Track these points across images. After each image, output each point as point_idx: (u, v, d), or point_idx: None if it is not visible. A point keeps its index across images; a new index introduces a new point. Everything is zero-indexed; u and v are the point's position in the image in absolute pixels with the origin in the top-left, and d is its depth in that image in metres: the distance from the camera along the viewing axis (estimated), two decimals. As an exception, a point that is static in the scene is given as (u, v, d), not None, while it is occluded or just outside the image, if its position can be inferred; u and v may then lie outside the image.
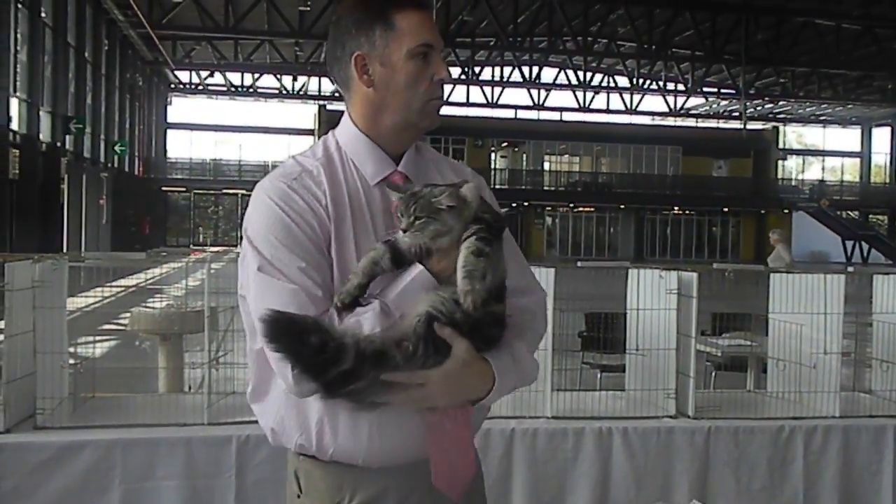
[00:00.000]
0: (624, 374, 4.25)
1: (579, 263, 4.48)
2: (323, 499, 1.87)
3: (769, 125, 53.64)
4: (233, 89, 48.46)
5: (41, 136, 26.19)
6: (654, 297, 3.87)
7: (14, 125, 23.74)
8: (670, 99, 48.96)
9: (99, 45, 34.37)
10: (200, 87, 49.27)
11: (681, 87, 45.74)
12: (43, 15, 26.55)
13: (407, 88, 1.86)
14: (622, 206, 47.72)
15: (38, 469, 3.31)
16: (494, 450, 3.61)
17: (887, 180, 57.12)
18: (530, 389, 3.80)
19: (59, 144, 28.02)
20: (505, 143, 50.10)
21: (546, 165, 50.41)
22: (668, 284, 3.80)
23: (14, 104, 23.85)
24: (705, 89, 47.09)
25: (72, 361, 3.86)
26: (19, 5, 24.64)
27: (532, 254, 45.34)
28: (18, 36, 24.79)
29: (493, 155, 50.11)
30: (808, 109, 54.90)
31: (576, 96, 48.38)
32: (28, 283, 3.43)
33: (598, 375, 6.82)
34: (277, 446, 1.92)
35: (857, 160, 58.85)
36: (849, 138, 59.57)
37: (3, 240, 21.90)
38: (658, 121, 52.79)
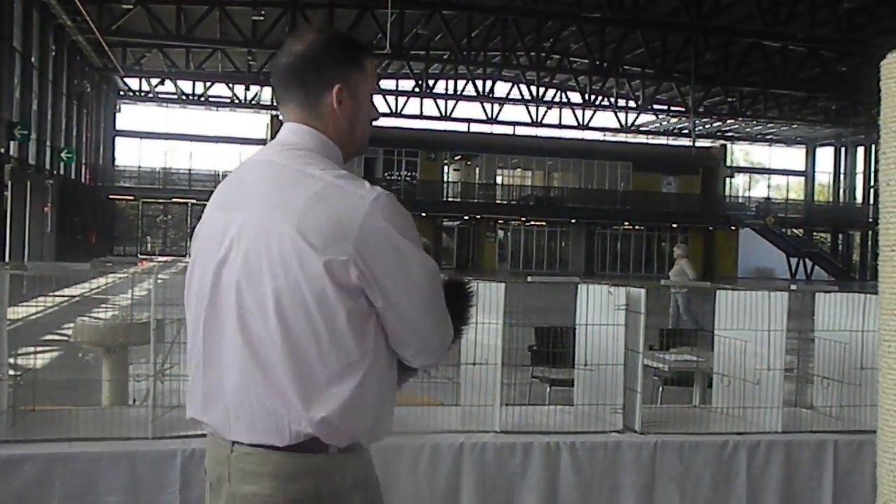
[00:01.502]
0: (573, 389, 4.27)
1: (529, 278, 4.50)
2: (358, 484, 2.02)
3: (717, 143, 54.62)
4: (184, 97, 48.00)
5: (-16, 142, 25.65)
6: (602, 313, 3.91)
7: (-44, 130, 23.23)
8: (621, 115, 49.63)
9: (46, 50, 33.77)
10: (150, 95, 48.67)
11: (632, 103, 46.41)
12: (-12, 18, 26.05)
13: (365, 121, 2.14)
14: (573, 221, 48.15)
15: (-25, 485, 3.22)
16: (443, 464, 3.60)
17: (830, 199, 58.49)
18: (480, 404, 3.81)
19: (2, 151, 27.42)
20: (458, 157, 50.26)
21: (499, 179, 50.70)
22: (616, 300, 3.83)
23: (-43, 109, 23.34)
24: (655, 106, 47.86)
25: (11, 373, 3.77)
26: (-36, 8, 24.17)
27: (484, 267, 45.50)
28: (-37, 39, 24.31)
29: (445, 168, 50.27)
30: (755, 128, 56.09)
31: (529, 111, 48.79)
32: (-33, 294, 3.35)
33: (548, 390, 6.86)
34: (330, 443, 1.96)
35: (802, 179, 60.21)
36: (794, 157, 60.98)
37: (-57, 247, 21.38)
38: (609, 136, 53.44)
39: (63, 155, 36.92)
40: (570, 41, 39.02)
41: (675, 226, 49.08)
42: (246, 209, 1.98)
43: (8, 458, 3.27)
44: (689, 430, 3.94)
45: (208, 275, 2.01)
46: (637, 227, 49.51)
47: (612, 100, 46.21)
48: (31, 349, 4.81)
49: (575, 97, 47.32)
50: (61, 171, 37.02)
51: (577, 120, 49.46)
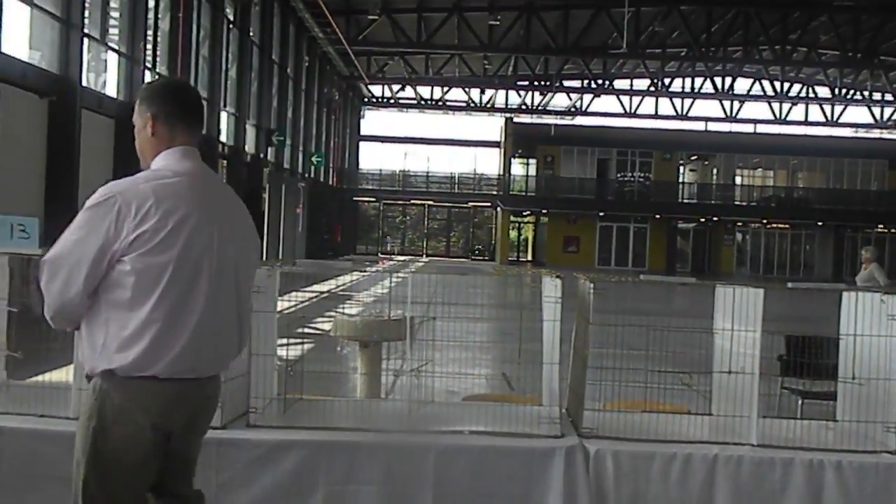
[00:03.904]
0: (829, 403, 4.01)
1: (790, 284, 4.26)
2: None
3: None
4: (423, 102, 49.71)
5: (246, 148, 27.86)
6: (872, 323, 3.63)
7: (223, 137, 25.41)
8: (876, 110, 46.06)
9: (300, 61, 36.19)
10: (392, 101, 50.88)
11: (888, 97, 42.89)
12: (251, 34, 28.25)
13: None
14: (820, 223, 45.25)
15: (251, 465, 3.48)
16: (695, 475, 3.48)
17: None
18: (734, 415, 3.65)
19: (261, 156, 29.70)
20: (694, 157, 48.78)
21: (738, 179, 48.73)
22: (890, 309, 3.55)
23: (223, 118, 25.54)
24: (917, 99, 43.98)
25: (277, 363, 4.05)
26: (230, 26, 26.36)
27: (720, 271, 43.77)
28: (229, 55, 26.52)
29: (681, 168, 48.93)
30: None
31: (771, 107, 46.45)
32: (246, 289, 3.63)
33: (799, 402, 6.48)
34: None
35: None
36: None
37: (210, 245, 23.38)
38: (862, 133, 49.71)
39: (313, 159, 39.46)
40: (819, 32, 36.67)
41: (938, 229, 44.90)
42: (221, 209, 2.79)
43: (279, 442, 3.51)
44: (974, 456, 3.57)
45: (212, 254, 2.70)
46: (893, 230, 45.70)
47: (866, 93, 42.94)
48: (294, 341, 5.15)
49: (823, 92, 44.46)
50: (311, 175, 39.53)
51: (825, 116, 46.44)
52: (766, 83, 44.18)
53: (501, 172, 48.82)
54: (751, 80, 45.35)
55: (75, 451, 2.70)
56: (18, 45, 14.93)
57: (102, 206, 2.60)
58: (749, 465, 3.47)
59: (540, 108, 48.69)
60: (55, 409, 3.49)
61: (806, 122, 47.65)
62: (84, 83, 16.71)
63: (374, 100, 52.17)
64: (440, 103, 49.74)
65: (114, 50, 18.96)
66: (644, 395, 4.11)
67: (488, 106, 49.56)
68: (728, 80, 44.75)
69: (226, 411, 3.56)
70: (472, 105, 49.60)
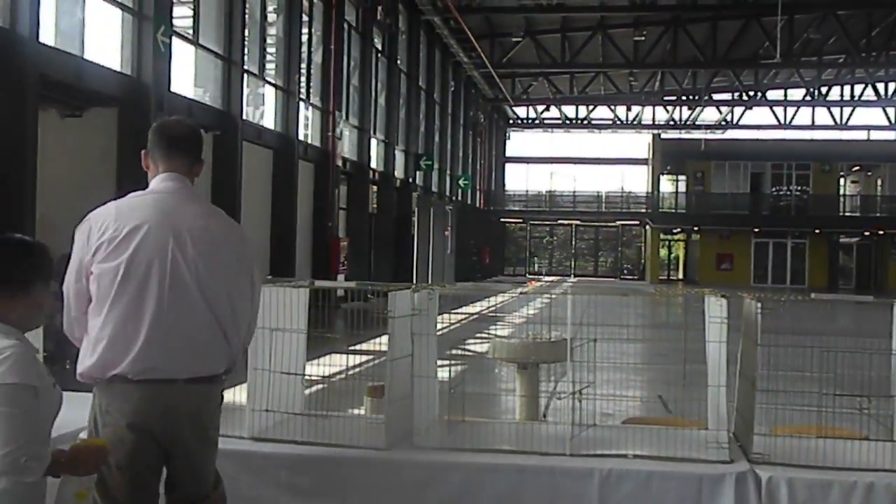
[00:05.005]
0: None
1: None
2: None
3: None
4: (568, 122, 49.49)
5: (396, 173, 28.50)
6: None
7: (373, 164, 26.10)
8: None
9: (446, 86, 36.77)
10: (537, 122, 50.90)
11: None
12: (398, 62, 28.95)
13: None
14: None
15: (415, 486, 3.53)
16: (877, 506, 3.29)
17: None
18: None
19: (410, 180, 30.32)
20: (856, 168, 46.44)
21: (905, 190, 46.01)
22: None
23: (374, 144, 26.25)
24: None
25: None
26: (379, 55, 27.11)
27: (888, 287, 41.37)
28: (378, 83, 27.28)
29: (842, 180, 46.68)
30: None
31: (941, 113, 43.65)
32: (408, 311, 3.71)
33: None
34: None
35: None
36: None
37: (363, 268, 24.02)
38: None
39: (460, 182, 39.93)
40: None
41: None
42: (184, 221, 2.94)
43: (443, 463, 3.55)
44: None
45: (166, 259, 2.86)
46: None
47: None
48: (453, 363, 5.21)
49: None
50: (459, 197, 39.99)
51: None
52: (934, 87, 41.62)
53: (650, 190, 47.93)
54: (918, 85, 42.85)
55: None
56: (185, 84, 15.85)
57: (79, 230, 2.95)
58: (938, 495, 3.25)
59: (688, 122, 47.58)
60: (230, 429, 3.63)
61: (982, 127, 44.56)
62: (244, 117, 17.56)
63: (519, 121, 52.34)
64: (585, 122, 49.39)
65: (271, 84, 19.84)
66: (815, 420, 3.93)
67: (635, 123, 48.85)
68: (892, 85, 42.42)
69: (391, 433, 3.63)
70: (619, 122, 49.01)
